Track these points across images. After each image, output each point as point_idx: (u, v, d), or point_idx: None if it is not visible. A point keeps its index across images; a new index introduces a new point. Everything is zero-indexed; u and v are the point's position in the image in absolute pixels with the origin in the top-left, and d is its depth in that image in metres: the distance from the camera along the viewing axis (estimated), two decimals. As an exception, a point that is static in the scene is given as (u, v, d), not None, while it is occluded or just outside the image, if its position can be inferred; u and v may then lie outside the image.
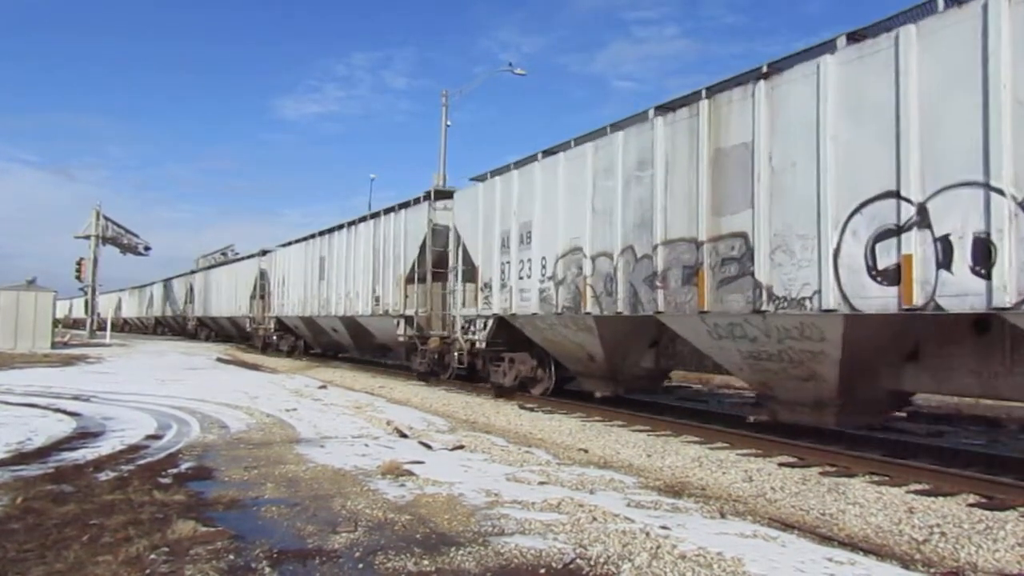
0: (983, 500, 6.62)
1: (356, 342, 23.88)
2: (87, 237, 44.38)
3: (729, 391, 16.45)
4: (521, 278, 13.17)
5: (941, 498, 6.69)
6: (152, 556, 4.66)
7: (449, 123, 30.66)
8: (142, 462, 7.80)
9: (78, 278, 45.14)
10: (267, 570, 4.51)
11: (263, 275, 31.72)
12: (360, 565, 4.63)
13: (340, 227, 23.87)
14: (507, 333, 14.15)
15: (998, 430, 11.04)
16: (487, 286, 14.36)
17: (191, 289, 47.05)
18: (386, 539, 5.17)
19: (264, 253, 32.07)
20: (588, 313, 11.29)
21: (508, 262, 13.63)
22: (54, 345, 31.10)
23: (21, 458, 7.87)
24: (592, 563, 4.74)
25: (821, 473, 7.79)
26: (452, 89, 32.09)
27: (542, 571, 4.60)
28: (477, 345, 14.91)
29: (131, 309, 70.94)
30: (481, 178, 15.20)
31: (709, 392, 16.71)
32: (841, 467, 8.04)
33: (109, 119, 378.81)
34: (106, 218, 45.42)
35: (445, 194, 17.94)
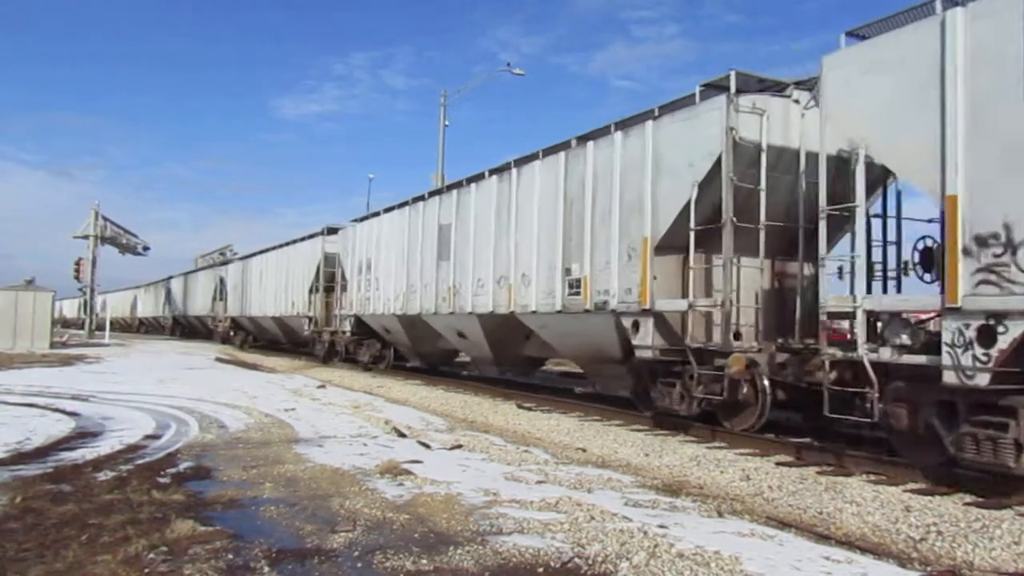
0: (980, 499, 6.64)
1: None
2: (85, 237, 44.30)
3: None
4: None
5: (938, 497, 6.71)
6: (151, 556, 4.67)
7: (447, 123, 30.76)
8: (141, 462, 7.80)
9: (76, 278, 45.09)
10: (266, 569, 4.52)
11: (329, 260, 24.52)
12: (359, 564, 4.64)
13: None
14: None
15: None
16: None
17: (221, 283, 39.17)
18: (385, 538, 5.18)
19: (331, 231, 24.82)
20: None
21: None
22: (53, 345, 31.07)
23: (20, 458, 7.87)
24: (590, 562, 4.75)
25: (818, 472, 7.81)
26: (451, 89, 32.17)
27: (540, 570, 4.62)
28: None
29: (147, 307, 64.34)
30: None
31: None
32: (838, 466, 8.06)
33: (108, 119, 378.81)
34: (104, 218, 45.36)
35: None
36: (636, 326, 10.78)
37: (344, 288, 22.81)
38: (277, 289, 29.20)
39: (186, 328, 51.16)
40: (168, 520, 5.40)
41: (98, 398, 13.60)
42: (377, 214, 21.04)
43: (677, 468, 8.22)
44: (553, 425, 11.31)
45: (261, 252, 32.44)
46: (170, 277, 55.78)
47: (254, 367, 24.54)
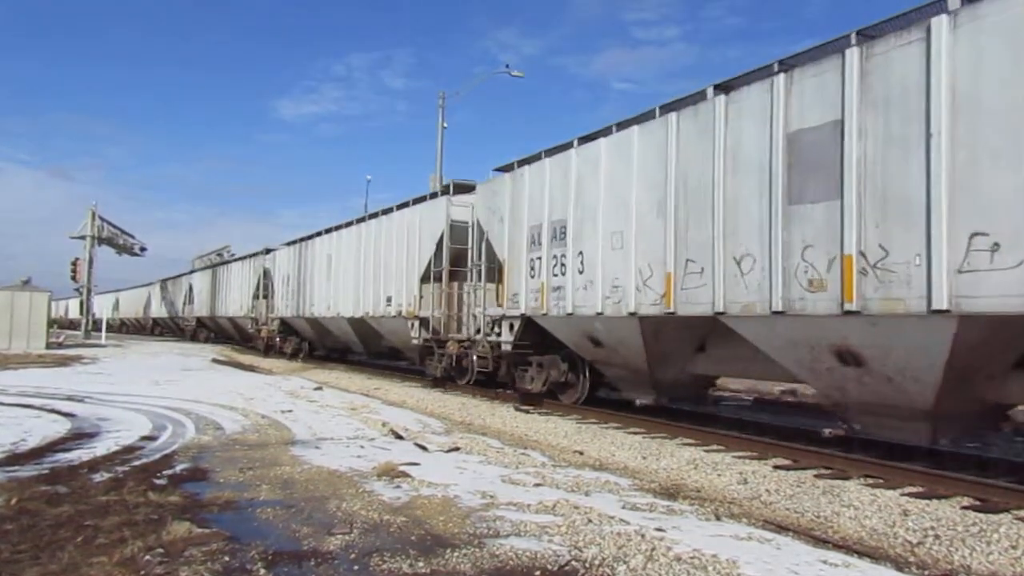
0: (977, 503, 6.65)
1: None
2: (82, 237, 44.20)
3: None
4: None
5: (935, 501, 6.72)
6: (147, 557, 4.65)
7: (445, 124, 30.73)
8: (137, 463, 7.78)
9: (73, 279, 45.00)
10: (262, 571, 4.50)
11: (456, 232, 16.55)
12: (355, 567, 4.63)
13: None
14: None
15: None
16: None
17: (265, 277, 30.73)
18: (381, 541, 5.17)
19: (460, 189, 16.93)
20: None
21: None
22: (49, 346, 31.01)
23: (15, 459, 7.84)
24: (587, 565, 4.74)
25: (816, 476, 7.81)
26: (449, 91, 32.21)
27: (537, 573, 4.61)
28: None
29: (161, 306, 57.09)
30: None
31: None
32: (836, 470, 8.06)
33: (106, 120, 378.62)
34: (102, 218, 45.27)
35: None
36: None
37: (487, 274, 15.09)
38: (348, 283, 22.10)
39: (214, 332, 43.87)
40: (164, 522, 5.38)
41: (94, 399, 13.56)
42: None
43: (675, 471, 8.21)
44: (550, 428, 11.31)
45: (331, 230, 24.35)
46: (192, 271, 49.10)
47: (251, 369, 24.50)
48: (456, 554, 4.88)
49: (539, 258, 12.82)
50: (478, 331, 15.09)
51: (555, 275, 12.37)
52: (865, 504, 6.59)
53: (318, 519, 5.70)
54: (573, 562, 4.79)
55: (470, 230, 15.78)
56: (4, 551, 4.75)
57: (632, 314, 10.58)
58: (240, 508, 6.06)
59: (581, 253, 11.74)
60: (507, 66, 30.17)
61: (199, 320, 45.27)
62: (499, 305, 14.12)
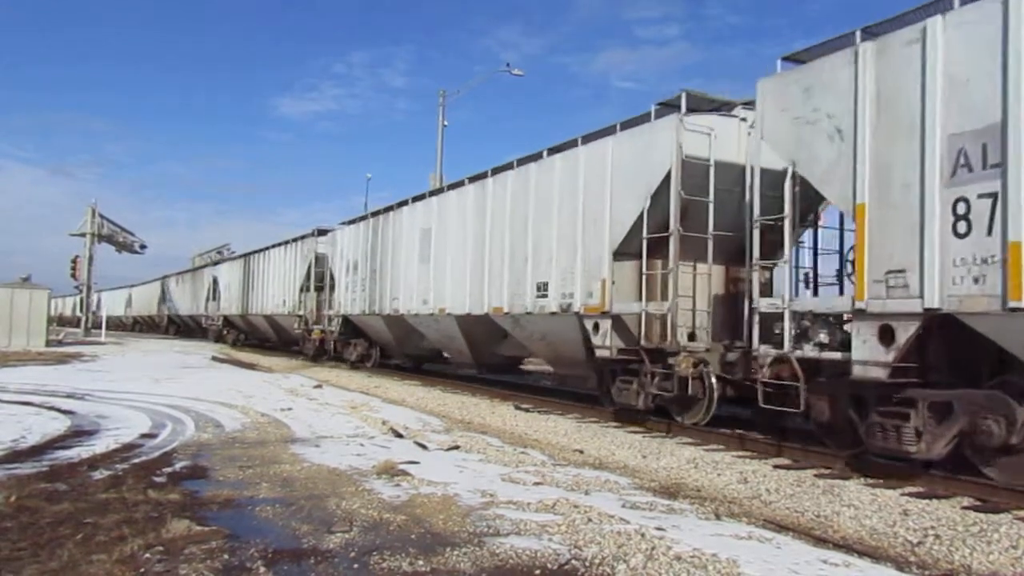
0: (977, 503, 6.64)
1: None
2: (82, 235, 44.26)
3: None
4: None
5: (936, 500, 6.71)
6: (146, 555, 4.65)
7: (446, 123, 30.77)
8: (136, 461, 7.78)
9: (73, 276, 45.02)
10: (262, 570, 4.49)
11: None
12: (355, 565, 4.63)
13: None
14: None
15: None
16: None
17: (318, 265, 25.41)
18: (381, 539, 5.16)
19: (685, 105, 10.90)
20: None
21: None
22: (48, 343, 31.00)
23: (15, 456, 7.84)
24: (587, 564, 4.74)
25: (816, 475, 7.80)
26: (449, 89, 32.16)
27: (537, 572, 4.60)
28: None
29: (184, 302, 48.68)
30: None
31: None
32: (836, 469, 8.05)
33: (107, 117, 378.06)
34: (102, 216, 45.33)
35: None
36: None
37: None
38: (490, 259, 16.29)
39: (244, 333, 37.30)
40: (164, 519, 5.38)
41: (94, 396, 13.56)
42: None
43: (675, 470, 8.21)
44: (551, 426, 11.30)
45: (431, 194, 18.52)
46: (219, 261, 43.34)
47: (251, 367, 24.49)
48: (456, 553, 4.88)
49: (993, 194, 6.46)
50: (770, 339, 8.77)
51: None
52: (865, 504, 6.58)
53: (318, 517, 5.69)
54: (573, 561, 4.78)
55: (750, 171, 9.80)
56: (4, 548, 4.75)
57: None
58: (240, 506, 6.05)
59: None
60: (508, 65, 30.21)
61: (227, 319, 38.13)
62: (836, 295, 9.07)
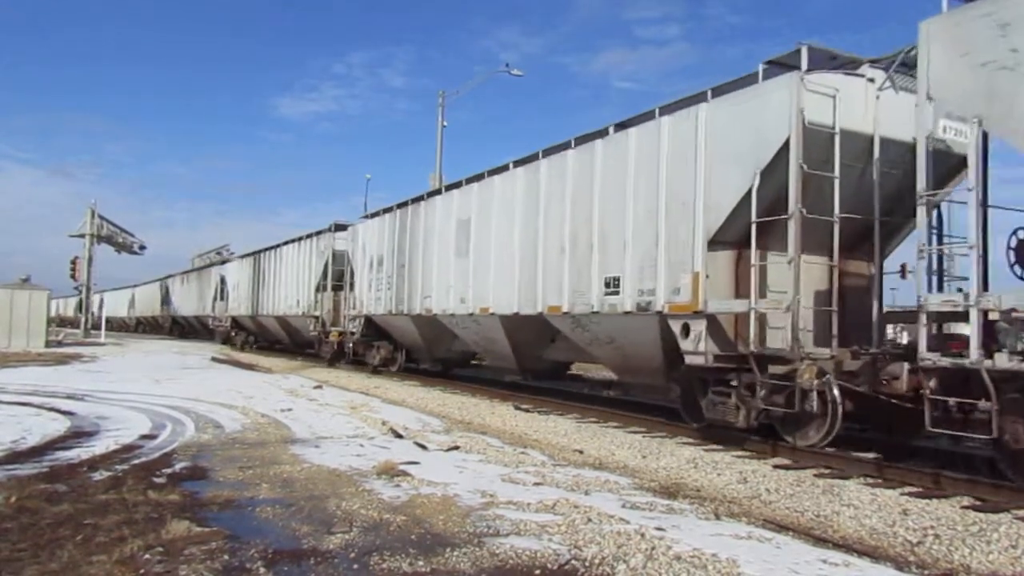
0: (977, 503, 6.65)
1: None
2: (82, 236, 44.22)
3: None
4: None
5: (935, 500, 6.72)
6: (146, 556, 4.65)
7: (445, 123, 30.70)
8: (136, 462, 7.77)
9: (72, 277, 44.99)
10: (262, 570, 4.50)
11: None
12: (355, 566, 4.63)
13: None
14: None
15: None
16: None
17: (336, 262, 23.90)
18: (381, 540, 5.16)
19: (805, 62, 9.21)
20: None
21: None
22: (48, 344, 30.99)
23: (15, 457, 7.84)
24: (587, 564, 4.74)
25: (816, 475, 7.81)
26: (449, 89, 32.14)
27: (537, 572, 4.60)
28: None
29: (189, 302, 47.15)
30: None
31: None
32: (836, 469, 8.06)
33: (107, 117, 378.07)
34: (101, 217, 45.28)
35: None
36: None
37: None
38: (544, 252, 14.22)
39: (254, 335, 35.31)
40: (164, 520, 5.38)
41: (94, 397, 13.55)
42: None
43: (674, 470, 8.21)
44: (550, 427, 11.30)
45: (469, 181, 16.64)
46: (226, 259, 41.16)
47: (250, 367, 24.49)
48: (456, 553, 4.88)
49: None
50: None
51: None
52: (865, 503, 6.59)
53: (318, 518, 5.69)
54: (573, 561, 4.78)
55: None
56: (4, 549, 4.75)
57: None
58: (240, 507, 6.05)
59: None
60: (507, 65, 30.17)
61: (235, 320, 36.29)
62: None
